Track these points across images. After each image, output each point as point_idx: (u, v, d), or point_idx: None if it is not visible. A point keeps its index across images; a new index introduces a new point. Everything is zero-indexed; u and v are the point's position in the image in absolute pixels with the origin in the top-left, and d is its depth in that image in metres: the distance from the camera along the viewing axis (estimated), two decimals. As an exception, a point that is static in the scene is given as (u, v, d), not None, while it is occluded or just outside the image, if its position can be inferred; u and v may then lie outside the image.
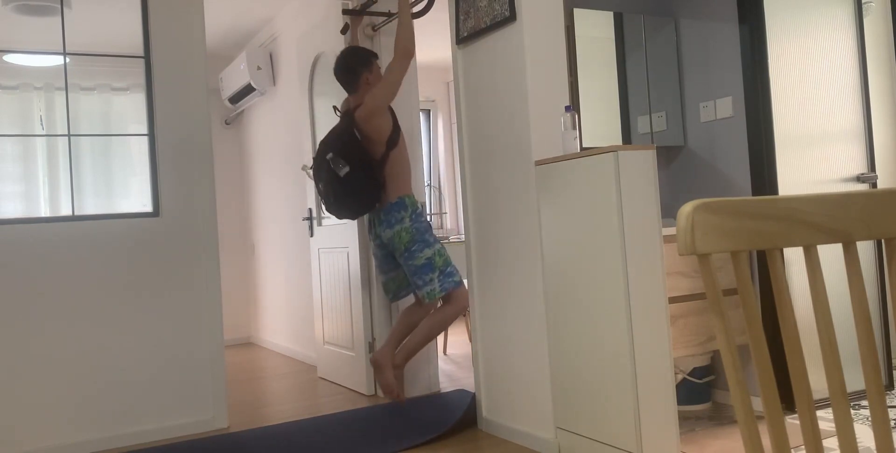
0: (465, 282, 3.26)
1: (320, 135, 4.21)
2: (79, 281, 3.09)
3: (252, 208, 5.99)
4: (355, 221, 3.77)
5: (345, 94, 3.70)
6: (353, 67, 3.39)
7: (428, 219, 3.42)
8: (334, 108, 3.59)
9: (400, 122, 3.61)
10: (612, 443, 2.39)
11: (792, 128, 3.06)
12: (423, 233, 3.32)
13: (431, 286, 3.29)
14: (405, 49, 3.21)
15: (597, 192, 2.38)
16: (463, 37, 3.01)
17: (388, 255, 3.43)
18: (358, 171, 3.25)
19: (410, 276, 3.34)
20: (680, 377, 3.01)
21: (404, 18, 3.23)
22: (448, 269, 3.33)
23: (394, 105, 3.65)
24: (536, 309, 2.70)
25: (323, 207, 3.55)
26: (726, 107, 3.18)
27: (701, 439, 2.72)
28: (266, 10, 5.05)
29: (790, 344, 0.92)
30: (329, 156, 3.28)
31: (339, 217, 3.40)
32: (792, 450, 2.51)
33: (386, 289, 3.53)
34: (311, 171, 3.92)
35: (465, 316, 4.65)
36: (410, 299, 3.66)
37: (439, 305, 3.41)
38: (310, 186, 4.32)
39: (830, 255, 3.08)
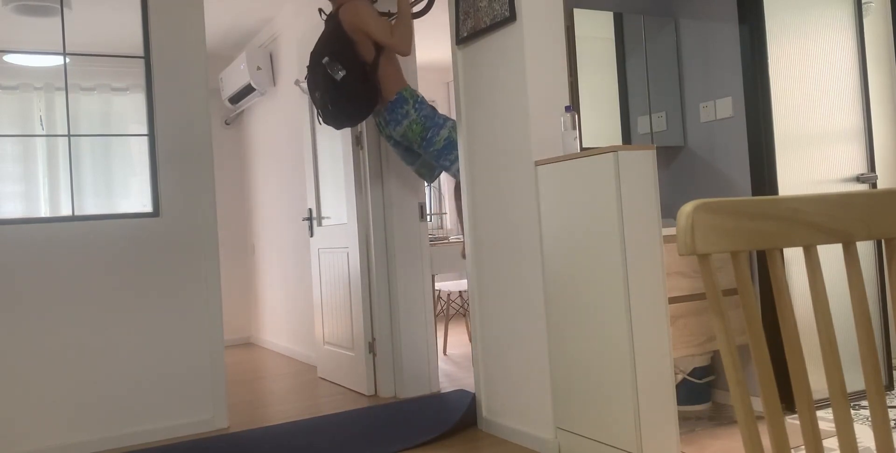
0: (467, 289, 3.25)
1: (321, 136, 4.21)
2: (79, 281, 3.09)
3: (252, 208, 5.99)
4: (355, 222, 3.77)
5: None
6: None
7: (429, 103, 3.43)
8: (320, 10, 3.56)
9: (398, 59, 3.58)
10: (612, 443, 2.39)
11: (792, 128, 3.06)
12: (431, 117, 3.33)
13: (458, 163, 3.30)
14: (400, 48, 3.22)
15: (597, 192, 2.38)
16: (463, 37, 3.01)
17: (406, 149, 3.46)
18: (355, 74, 3.23)
19: (435, 161, 3.35)
20: (680, 377, 3.01)
21: (404, 19, 3.24)
22: None
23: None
24: (536, 309, 2.70)
25: (319, 119, 3.52)
26: (726, 107, 3.18)
27: (701, 439, 2.72)
28: (266, 10, 5.05)
29: (790, 344, 0.92)
30: (324, 60, 3.26)
31: (339, 126, 3.39)
32: (792, 450, 2.51)
33: (420, 175, 3.57)
34: (304, 85, 3.89)
35: (465, 315, 4.65)
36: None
37: None
38: (310, 186, 4.32)
39: (830, 255, 3.08)
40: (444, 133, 3.30)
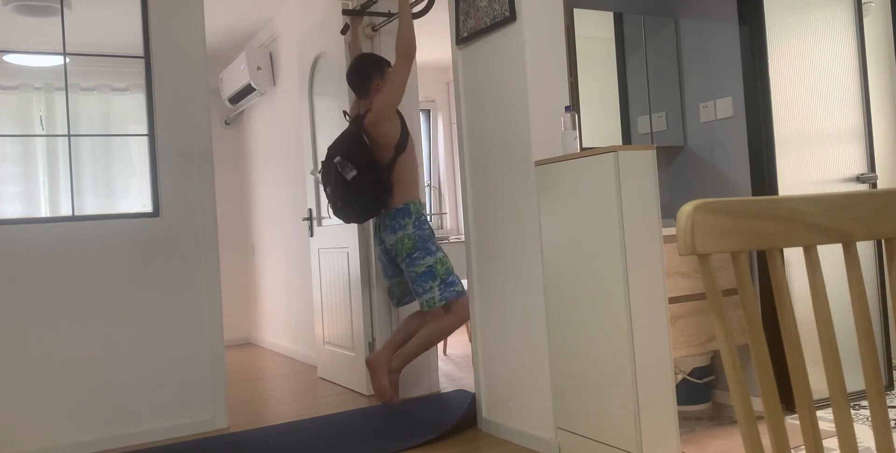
0: (467, 289, 3.26)
1: (320, 136, 4.21)
2: (79, 281, 3.09)
3: (252, 208, 5.99)
4: (355, 221, 3.77)
5: (347, 97, 3.71)
6: (366, 72, 3.42)
7: (431, 225, 3.45)
8: (344, 113, 3.60)
9: (417, 166, 3.60)
10: (612, 443, 2.39)
11: (792, 128, 3.06)
12: (425, 240, 3.34)
13: (431, 294, 3.30)
14: (406, 50, 3.22)
15: (597, 192, 2.38)
16: (463, 37, 3.01)
17: (392, 261, 3.45)
18: (365, 175, 3.27)
19: (411, 283, 3.35)
20: (680, 377, 3.01)
21: (405, 19, 3.24)
22: (450, 279, 3.33)
23: (394, 105, 3.65)
24: (536, 309, 2.70)
25: (330, 212, 3.58)
26: (726, 107, 3.18)
27: (701, 439, 2.72)
28: (266, 10, 5.05)
29: (790, 344, 0.92)
30: (337, 159, 3.31)
31: (347, 221, 3.43)
32: (792, 450, 2.51)
33: (391, 294, 3.55)
34: (319, 175, 3.93)
35: (465, 325, 4.65)
36: (414, 306, 3.66)
37: (442, 314, 3.40)
38: (310, 186, 4.32)
39: (830, 255, 3.08)
40: (430, 261, 3.31)
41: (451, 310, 3.35)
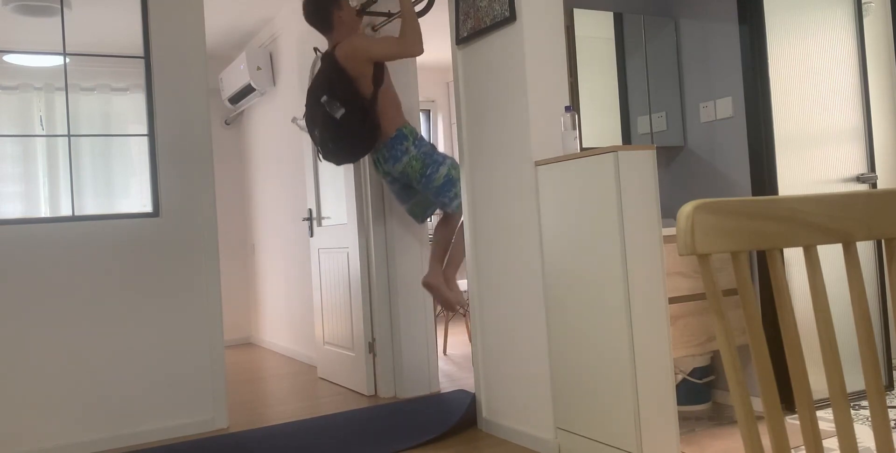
0: (468, 290, 3.26)
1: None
2: (78, 281, 3.09)
3: (252, 208, 5.99)
4: (355, 222, 3.77)
5: None
6: (322, 6, 3.37)
7: (429, 139, 3.49)
8: (315, 49, 3.57)
9: (397, 95, 3.58)
10: (612, 443, 2.39)
11: (792, 128, 3.06)
12: (431, 154, 3.36)
13: (458, 199, 3.35)
14: (411, 47, 3.19)
15: (597, 192, 2.38)
16: (463, 37, 3.01)
17: (403, 187, 3.48)
18: (354, 112, 3.23)
19: (434, 198, 3.38)
20: (680, 377, 3.01)
21: (409, 19, 3.20)
22: None
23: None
24: (536, 309, 2.70)
25: (320, 156, 3.53)
26: (726, 107, 3.18)
27: (701, 439, 2.72)
28: (266, 10, 5.05)
29: (790, 344, 0.92)
30: (323, 98, 3.25)
31: (339, 162, 3.39)
32: (792, 450, 2.51)
33: (413, 214, 3.59)
34: (302, 123, 3.89)
35: (465, 315, 4.65)
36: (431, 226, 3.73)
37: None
38: (310, 186, 4.32)
39: (830, 255, 3.08)
40: (444, 170, 3.33)
41: None
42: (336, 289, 4.03)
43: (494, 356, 2.97)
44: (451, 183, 3.35)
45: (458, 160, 3.20)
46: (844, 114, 3.19)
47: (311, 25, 3.45)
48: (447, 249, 3.54)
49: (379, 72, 3.31)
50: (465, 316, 3.67)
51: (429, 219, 3.73)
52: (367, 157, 3.73)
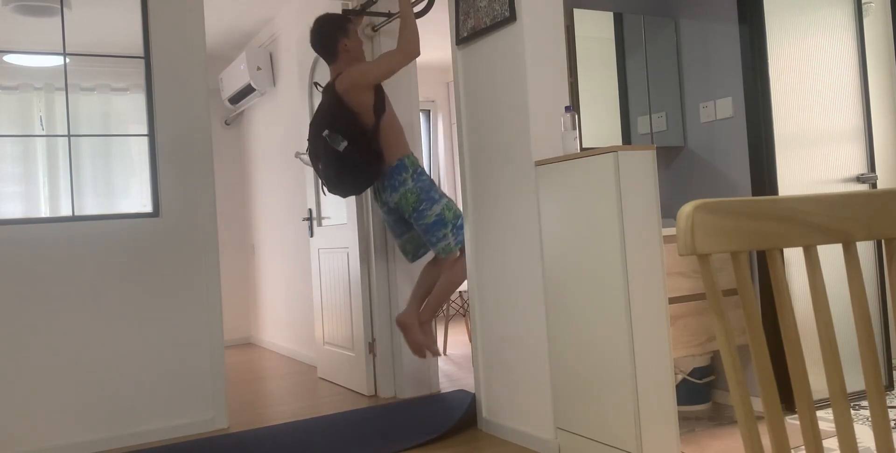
0: (468, 290, 3.26)
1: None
2: (78, 281, 3.09)
3: (252, 208, 5.99)
4: (355, 222, 3.77)
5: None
6: (329, 35, 3.36)
7: (430, 175, 3.44)
8: (316, 84, 3.56)
9: (400, 122, 3.59)
10: (612, 443, 2.39)
11: (792, 128, 3.06)
12: (427, 190, 3.32)
13: (446, 241, 3.30)
14: (409, 48, 3.19)
15: (597, 192, 2.38)
16: (463, 37, 3.01)
17: (398, 219, 3.44)
18: (357, 144, 3.21)
19: (423, 235, 3.34)
20: (680, 377, 3.01)
21: (408, 20, 3.21)
22: (460, 222, 3.33)
23: (394, 105, 3.65)
24: (536, 309, 2.70)
25: (324, 190, 3.53)
26: (726, 107, 3.18)
27: (701, 439, 2.72)
28: (266, 10, 5.05)
29: (790, 344, 0.92)
30: (325, 133, 3.24)
31: (344, 195, 3.38)
32: (792, 450, 2.51)
33: (404, 251, 3.54)
34: (305, 157, 3.89)
35: (465, 315, 4.65)
36: (428, 258, 3.66)
37: (456, 258, 3.43)
38: (310, 186, 4.32)
39: (830, 255, 3.08)
40: (437, 209, 3.29)
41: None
42: (336, 289, 4.03)
43: (494, 356, 2.97)
44: (443, 223, 3.29)
45: (460, 207, 3.15)
46: (844, 114, 3.19)
47: (316, 52, 3.45)
48: (429, 291, 3.45)
49: (380, 100, 3.31)
50: (464, 316, 3.68)
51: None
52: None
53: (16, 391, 2.97)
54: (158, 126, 3.27)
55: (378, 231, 3.74)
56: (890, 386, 3.19)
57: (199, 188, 3.33)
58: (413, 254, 3.53)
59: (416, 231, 3.43)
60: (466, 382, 3.95)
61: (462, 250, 3.36)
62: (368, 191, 3.72)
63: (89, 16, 3.22)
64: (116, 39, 3.27)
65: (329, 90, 3.34)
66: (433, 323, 3.49)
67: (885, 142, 3.73)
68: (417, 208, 3.28)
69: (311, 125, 3.38)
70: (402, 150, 3.35)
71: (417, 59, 5.53)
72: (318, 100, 4.21)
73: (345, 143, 3.20)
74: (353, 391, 3.90)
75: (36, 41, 3.13)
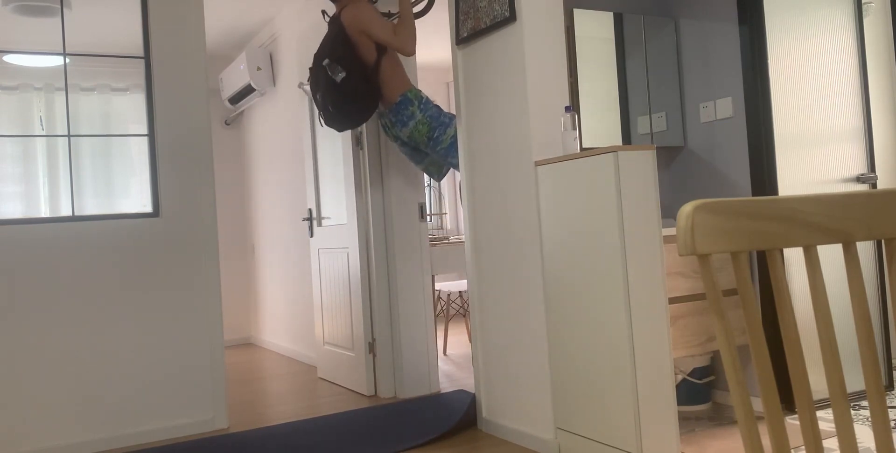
0: (468, 289, 3.25)
1: (321, 136, 4.21)
2: (78, 281, 3.09)
3: (252, 208, 5.99)
4: (355, 222, 3.77)
5: None
6: None
7: (434, 102, 3.45)
8: (323, 12, 3.58)
9: (400, 61, 3.57)
10: (612, 444, 2.38)
11: (792, 128, 3.06)
12: (437, 117, 3.36)
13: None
14: (406, 49, 3.22)
15: (597, 192, 2.38)
16: (463, 37, 3.01)
17: (414, 150, 3.49)
18: (355, 76, 3.24)
19: (443, 159, 3.39)
20: (680, 377, 3.01)
21: (407, 20, 3.23)
22: None
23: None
24: (536, 309, 2.70)
25: (321, 121, 3.54)
26: (726, 107, 3.18)
27: (701, 439, 2.72)
28: (266, 10, 5.05)
29: (790, 344, 0.92)
30: (325, 62, 3.27)
31: (340, 129, 3.40)
32: (792, 450, 2.51)
33: (429, 173, 3.60)
34: (306, 87, 3.90)
35: (465, 315, 4.65)
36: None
37: None
38: (310, 186, 4.32)
39: (830, 255, 3.08)
40: (451, 131, 3.33)
41: None
42: (336, 289, 4.03)
43: (494, 356, 2.97)
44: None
45: (458, 124, 3.18)
46: (844, 114, 3.19)
47: None
48: None
49: None
50: (464, 316, 3.68)
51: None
52: (367, 161, 3.73)
53: (16, 391, 2.97)
54: (158, 126, 3.27)
55: (378, 231, 3.74)
56: (890, 386, 3.19)
57: (199, 188, 3.33)
58: (438, 174, 3.60)
59: (433, 156, 3.48)
60: (466, 382, 3.95)
61: None
62: (368, 191, 3.72)
63: (89, 16, 3.22)
64: (116, 39, 3.27)
65: (334, 21, 3.37)
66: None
67: (885, 142, 3.73)
68: (432, 136, 3.33)
69: (314, 56, 3.40)
70: (404, 86, 3.38)
71: (417, 59, 5.53)
72: (318, 100, 4.21)
73: (343, 74, 3.22)
74: (353, 391, 3.90)
75: (36, 41, 3.13)
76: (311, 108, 4.28)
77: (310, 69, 3.43)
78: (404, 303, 3.72)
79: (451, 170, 3.71)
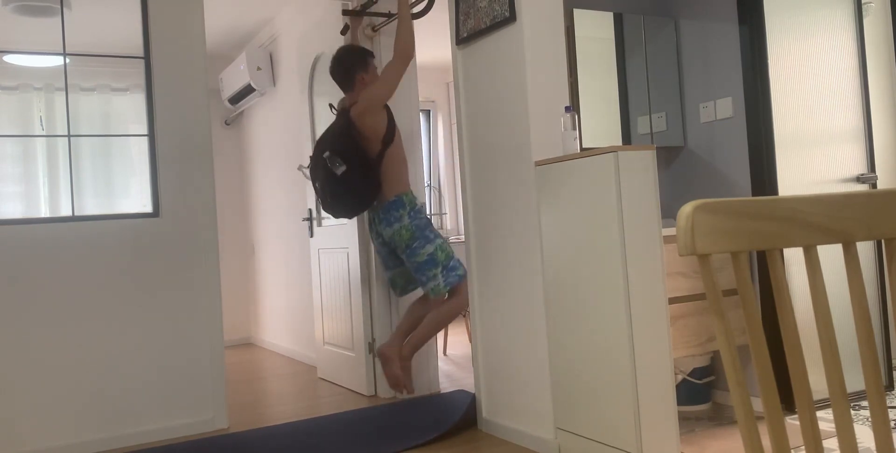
0: (468, 288, 3.26)
1: (320, 136, 4.21)
2: (79, 281, 3.09)
3: (252, 208, 5.99)
4: (355, 222, 3.77)
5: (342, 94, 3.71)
6: (348, 67, 3.41)
7: (427, 214, 3.45)
8: (330, 106, 3.61)
9: (400, 122, 3.61)
10: (612, 444, 2.38)
11: (792, 128, 3.06)
12: (422, 229, 3.35)
13: (435, 282, 3.32)
14: (405, 51, 3.23)
15: (597, 192, 2.38)
16: (463, 37, 3.01)
17: (391, 253, 3.46)
18: (355, 170, 3.26)
19: (414, 273, 3.37)
20: (680, 377, 3.01)
21: (404, 20, 3.25)
22: (451, 263, 3.35)
23: (393, 105, 3.65)
24: (536, 309, 2.70)
25: (320, 207, 3.59)
26: (726, 107, 3.17)
27: (701, 439, 2.72)
28: (266, 10, 5.05)
29: (790, 344, 0.92)
30: (326, 154, 3.30)
31: (336, 216, 3.43)
32: (792, 450, 2.51)
33: (393, 284, 3.56)
34: (307, 171, 3.93)
35: (465, 315, 4.65)
36: (418, 293, 3.67)
37: (445, 299, 3.44)
38: (309, 186, 4.32)
39: (830, 255, 3.08)
40: (430, 249, 3.32)
41: (456, 293, 3.40)
42: (336, 289, 4.03)
43: (494, 356, 2.97)
44: (434, 263, 3.32)
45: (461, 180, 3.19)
46: (844, 114, 3.19)
47: (333, 79, 3.50)
48: (414, 327, 3.46)
49: (391, 130, 3.36)
50: (465, 316, 3.69)
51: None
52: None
53: (16, 391, 2.97)
54: (158, 126, 3.27)
55: (378, 231, 3.74)
56: (890, 386, 3.19)
57: (199, 188, 3.33)
58: (402, 289, 3.55)
59: (407, 266, 3.45)
60: (466, 382, 3.95)
61: (450, 292, 3.39)
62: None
63: (89, 16, 3.22)
64: (116, 39, 3.27)
65: (343, 114, 3.41)
66: (412, 360, 3.50)
67: (885, 143, 3.73)
68: (411, 245, 3.32)
69: (317, 142, 3.44)
70: (402, 187, 3.39)
71: (417, 59, 5.53)
72: (318, 100, 4.22)
73: (343, 168, 3.25)
74: (353, 391, 3.90)
75: (36, 41, 3.13)
76: (311, 108, 4.28)
77: (310, 157, 3.47)
78: (404, 304, 3.72)
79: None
